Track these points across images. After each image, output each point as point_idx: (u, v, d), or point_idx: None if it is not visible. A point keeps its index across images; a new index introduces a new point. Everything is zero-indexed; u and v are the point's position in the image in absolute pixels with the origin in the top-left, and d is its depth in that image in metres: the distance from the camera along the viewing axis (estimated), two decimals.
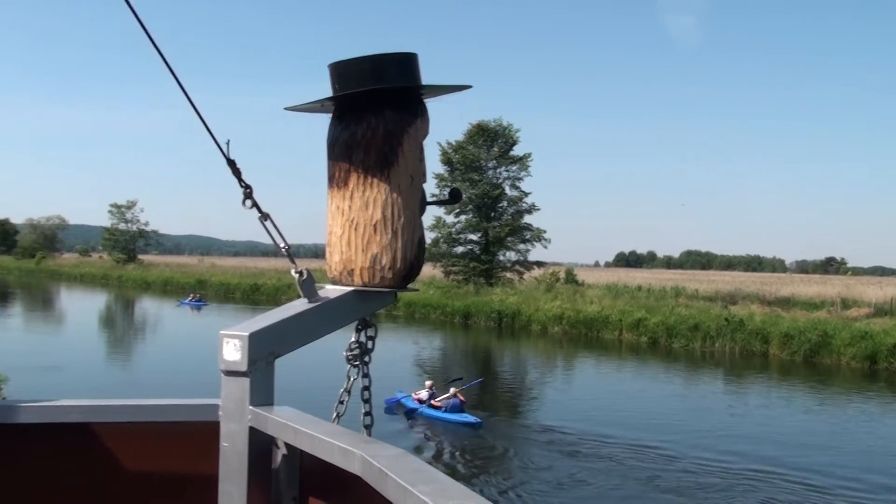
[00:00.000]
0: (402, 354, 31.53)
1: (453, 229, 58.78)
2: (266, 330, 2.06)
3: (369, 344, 2.30)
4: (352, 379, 2.28)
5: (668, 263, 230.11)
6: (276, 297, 59.81)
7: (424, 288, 51.90)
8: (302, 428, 1.83)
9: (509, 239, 58.18)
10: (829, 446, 18.66)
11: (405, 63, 2.18)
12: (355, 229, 2.19)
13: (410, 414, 20.24)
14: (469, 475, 15.29)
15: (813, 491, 14.76)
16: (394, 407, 20.39)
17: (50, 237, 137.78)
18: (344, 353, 2.28)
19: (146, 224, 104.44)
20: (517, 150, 58.51)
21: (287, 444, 2.04)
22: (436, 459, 16.49)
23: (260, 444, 2.05)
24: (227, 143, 2.13)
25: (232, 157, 2.14)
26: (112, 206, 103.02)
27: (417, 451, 16.66)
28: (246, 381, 2.03)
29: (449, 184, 55.84)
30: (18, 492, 2.19)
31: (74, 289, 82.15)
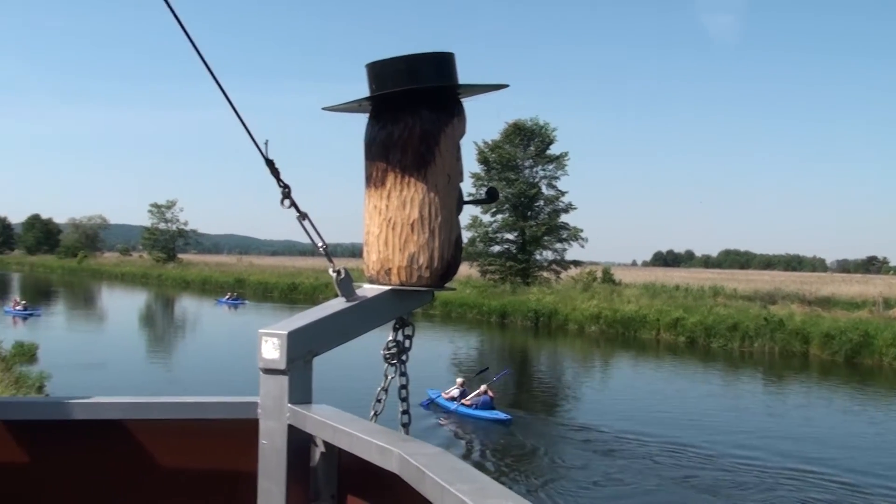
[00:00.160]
0: (438, 354, 31.51)
1: (490, 228, 58.68)
2: (304, 329, 2.07)
3: (406, 343, 2.30)
4: (389, 377, 2.29)
5: (707, 263, 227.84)
6: (313, 296, 60.12)
7: (461, 287, 51.87)
8: (340, 426, 1.84)
9: (546, 238, 57.94)
10: (870, 447, 18.39)
11: (442, 62, 2.18)
12: (393, 229, 2.20)
13: (442, 412, 20.33)
14: (502, 473, 15.27)
15: (852, 491, 14.57)
16: (426, 405, 20.45)
17: (92, 237, 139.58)
18: (381, 352, 2.28)
19: (185, 223, 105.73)
20: (554, 149, 58.32)
21: (325, 442, 2.05)
22: (467, 456, 16.49)
23: (298, 441, 2.06)
24: (266, 143, 2.14)
25: (270, 156, 2.15)
26: (152, 205, 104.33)
27: (447, 448, 16.67)
28: (285, 380, 2.04)
29: (485, 183, 55.74)
30: (60, 487, 2.22)
31: (115, 287, 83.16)
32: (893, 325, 35.27)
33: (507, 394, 21.94)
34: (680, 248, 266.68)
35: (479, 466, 15.21)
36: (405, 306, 2.27)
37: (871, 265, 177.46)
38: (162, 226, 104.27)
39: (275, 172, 2.16)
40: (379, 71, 2.17)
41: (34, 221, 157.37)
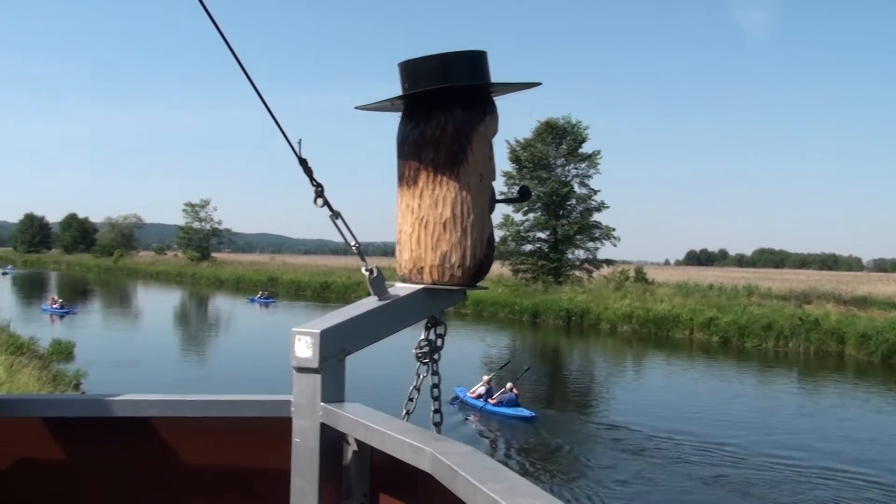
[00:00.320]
0: (469, 352, 31.53)
1: (522, 227, 58.60)
2: (337, 327, 2.07)
3: (439, 342, 2.30)
4: (421, 376, 2.28)
5: (741, 262, 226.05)
6: (345, 294, 60.41)
7: (493, 286, 51.84)
8: (372, 424, 1.84)
9: (578, 237, 57.76)
10: None
11: (474, 61, 2.18)
12: (425, 227, 2.20)
13: (468, 409, 20.56)
14: (532, 471, 15.27)
15: (887, 492, 14.42)
16: (452, 403, 20.58)
17: (127, 236, 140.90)
18: (413, 351, 2.28)
19: (219, 223, 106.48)
20: (586, 148, 58.08)
21: (358, 441, 2.06)
22: (494, 453, 16.53)
23: (331, 440, 2.06)
24: (300, 143, 2.15)
25: (304, 156, 2.16)
26: (186, 205, 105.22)
27: (474, 445, 16.67)
28: (317, 378, 2.04)
29: (517, 182, 55.68)
30: (98, 482, 2.25)
31: (150, 286, 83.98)
32: None
33: (539, 392, 21.91)
34: (713, 247, 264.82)
35: (508, 464, 15.23)
36: (437, 305, 2.27)
37: None
38: (196, 225, 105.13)
39: (308, 171, 2.16)
40: (412, 70, 2.17)
41: (71, 221, 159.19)
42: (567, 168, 58.40)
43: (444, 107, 2.16)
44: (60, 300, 47.37)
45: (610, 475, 15.16)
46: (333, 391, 2.06)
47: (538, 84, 2.24)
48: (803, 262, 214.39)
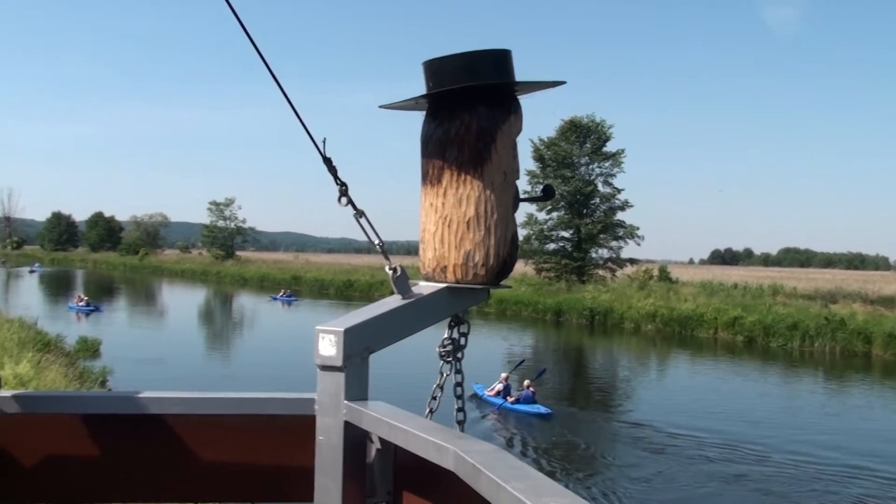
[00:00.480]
0: (491, 351, 31.53)
1: (545, 226, 58.53)
2: (361, 326, 2.08)
3: (462, 340, 2.29)
4: (444, 375, 2.29)
5: (766, 261, 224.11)
6: (369, 293, 60.59)
7: (516, 285, 51.78)
8: (396, 423, 1.84)
9: (602, 236, 57.61)
10: None
11: (499, 60, 2.18)
12: (448, 226, 2.20)
13: (485, 406, 20.85)
14: (554, 469, 15.27)
15: None
16: (471, 399, 20.71)
17: (153, 234, 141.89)
18: (437, 350, 2.28)
19: (244, 221, 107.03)
20: (610, 147, 57.94)
21: (381, 439, 2.06)
22: (509, 447, 16.55)
23: (355, 438, 2.07)
24: (324, 142, 2.16)
25: (328, 155, 2.17)
26: (211, 203, 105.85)
27: (492, 441, 16.68)
28: (341, 376, 2.05)
29: (541, 180, 55.59)
30: (121, 479, 2.27)
31: (175, 284, 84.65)
32: None
33: (562, 390, 21.90)
34: (738, 246, 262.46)
35: (530, 462, 15.23)
36: (461, 304, 2.27)
37: None
38: (221, 223, 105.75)
39: (332, 170, 2.17)
40: (436, 68, 2.17)
41: (97, 219, 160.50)
42: (591, 167, 58.30)
43: (468, 105, 2.16)
44: (87, 298, 47.82)
45: (632, 473, 15.14)
46: (357, 389, 2.07)
47: (562, 83, 2.23)
48: (829, 261, 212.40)
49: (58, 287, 72.69)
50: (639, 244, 58.54)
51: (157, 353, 28.81)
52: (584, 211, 57.66)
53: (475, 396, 21.12)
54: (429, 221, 2.24)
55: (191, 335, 38.04)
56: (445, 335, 2.29)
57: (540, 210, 57.69)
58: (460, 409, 2.30)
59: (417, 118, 2.30)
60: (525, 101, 2.25)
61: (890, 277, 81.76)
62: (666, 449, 16.83)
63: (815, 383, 28.35)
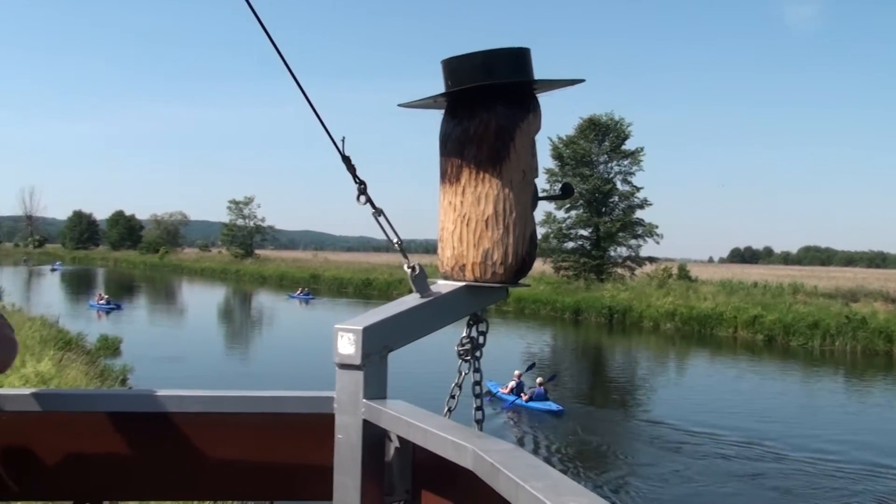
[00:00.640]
0: (509, 350, 31.50)
1: (564, 225, 58.45)
2: (380, 324, 2.08)
3: (480, 339, 2.29)
4: (463, 374, 2.28)
5: (786, 259, 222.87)
6: (387, 291, 60.68)
7: (535, 283, 51.69)
8: (415, 421, 1.84)
9: (620, 234, 57.45)
10: None
11: (517, 58, 2.17)
12: (467, 225, 2.19)
13: (498, 403, 21.12)
14: (571, 468, 15.26)
15: None
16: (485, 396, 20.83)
17: (172, 233, 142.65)
18: (455, 348, 2.28)
19: (263, 220, 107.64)
20: (629, 145, 57.79)
21: (400, 438, 2.06)
22: (521, 443, 16.56)
23: (373, 436, 2.07)
24: (343, 140, 2.16)
25: (347, 153, 2.17)
26: (230, 202, 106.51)
27: (506, 439, 16.67)
28: (360, 375, 2.05)
29: (559, 179, 55.53)
30: (141, 477, 2.28)
31: (195, 283, 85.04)
32: None
33: (581, 388, 21.90)
34: (758, 245, 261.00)
35: (547, 460, 15.23)
36: (479, 302, 2.26)
37: None
38: (240, 222, 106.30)
39: (351, 169, 2.17)
40: (455, 67, 2.16)
41: (118, 218, 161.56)
42: (610, 165, 58.13)
43: (487, 104, 2.16)
44: (107, 296, 48.16)
45: (649, 472, 15.12)
46: (376, 388, 2.07)
47: (581, 81, 2.23)
48: (850, 259, 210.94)
49: (79, 285, 73.24)
50: (658, 242, 58.49)
51: (176, 351, 28.96)
52: (603, 209, 57.53)
53: (489, 393, 21.25)
54: (447, 220, 2.24)
55: (210, 333, 38.22)
56: (464, 334, 2.28)
57: (559, 208, 57.67)
58: (478, 409, 2.29)
59: (436, 117, 2.30)
60: (543, 98, 2.24)
61: None
62: (683, 447, 16.78)
63: (835, 382, 28.16)
